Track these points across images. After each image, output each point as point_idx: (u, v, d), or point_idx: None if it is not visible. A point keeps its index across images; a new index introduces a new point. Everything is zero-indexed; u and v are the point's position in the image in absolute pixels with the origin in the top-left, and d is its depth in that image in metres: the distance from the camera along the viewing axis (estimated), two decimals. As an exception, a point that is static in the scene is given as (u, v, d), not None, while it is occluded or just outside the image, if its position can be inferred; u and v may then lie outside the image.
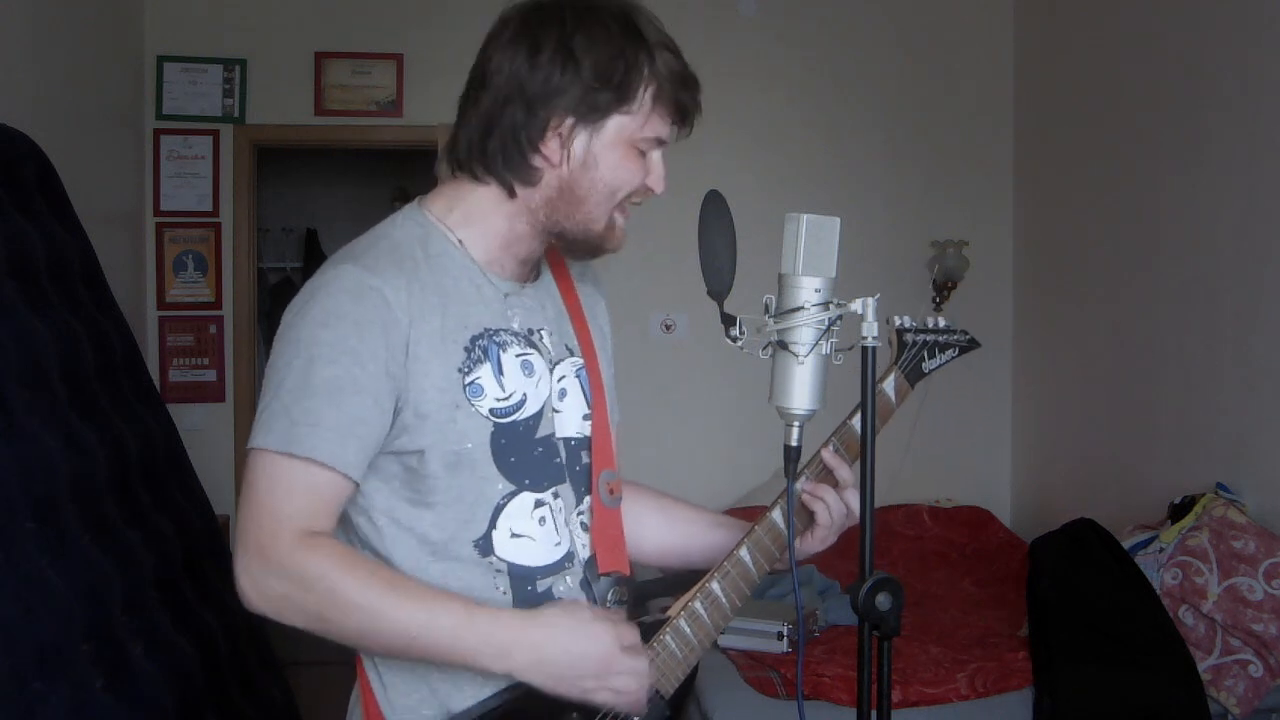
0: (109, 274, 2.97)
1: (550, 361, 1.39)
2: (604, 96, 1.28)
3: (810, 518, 1.42)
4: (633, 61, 1.29)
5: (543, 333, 1.39)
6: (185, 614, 2.63)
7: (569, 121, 1.29)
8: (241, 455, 4.53)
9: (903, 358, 1.48)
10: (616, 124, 1.30)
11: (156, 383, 3.47)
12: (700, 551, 1.52)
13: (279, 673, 3.08)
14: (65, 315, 2.55)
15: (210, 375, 4.59)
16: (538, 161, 1.31)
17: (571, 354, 1.43)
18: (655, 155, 1.35)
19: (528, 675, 1.24)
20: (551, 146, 1.30)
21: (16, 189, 2.54)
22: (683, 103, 1.33)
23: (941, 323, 1.51)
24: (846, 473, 1.42)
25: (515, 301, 1.37)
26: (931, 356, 1.50)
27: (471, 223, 1.35)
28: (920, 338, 1.48)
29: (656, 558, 1.58)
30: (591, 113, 1.29)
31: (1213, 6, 3.47)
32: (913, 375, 1.49)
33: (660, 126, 1.32)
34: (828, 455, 1.42)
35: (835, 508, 1.41)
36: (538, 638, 1.24)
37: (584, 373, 1.43)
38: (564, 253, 1.43)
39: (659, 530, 1.54)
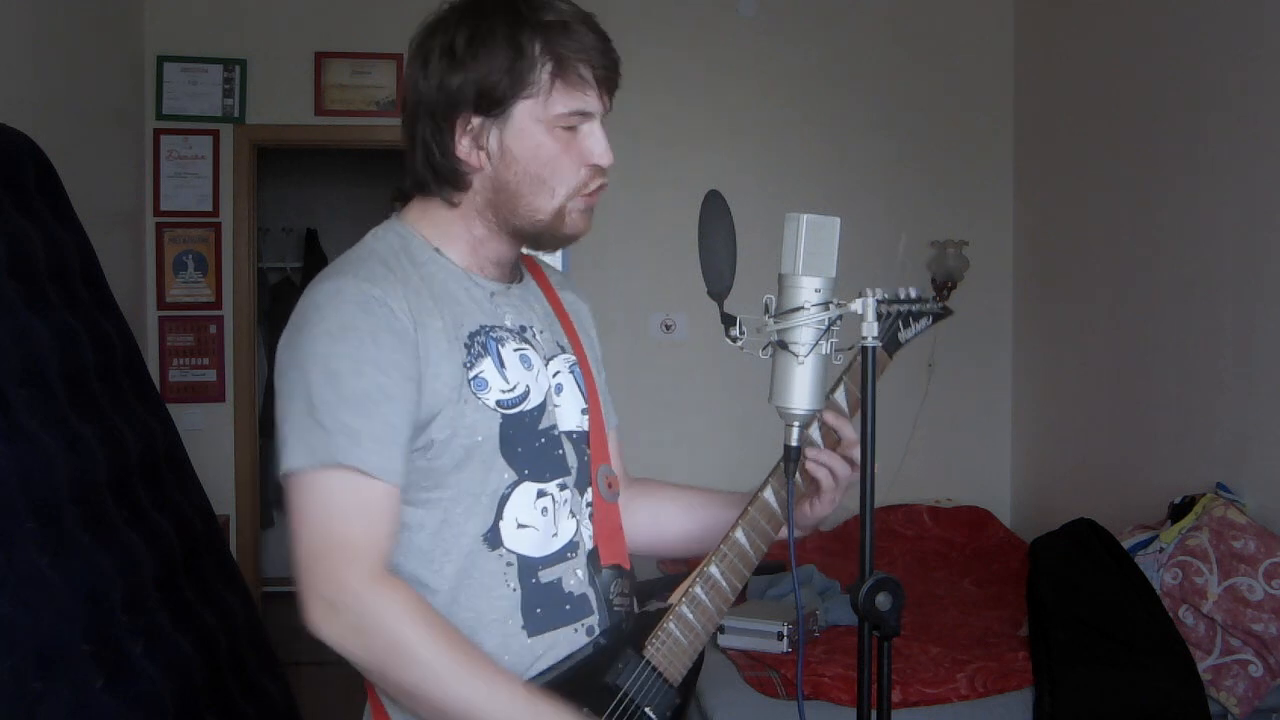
0: (109, 274, 2.96)
1: (544, 357, 1.40)
2: (498, 87, 1.28)
3: (815, 485, 1.42)
4: (517, 45, 1.28)
5: (534, 329, 1.41)
6: (185, 614, 2.63)
7: (475, 121, 1.30)
8: (242, 455, 4.59)
9: (878, 328, 1.47)
10: (522, 110, 1.30)
11: (156, 383, 3.47)
12: (722, 533, 1.52)
13: (279, 673, 3.07)
14: (65, 315, 2.55)
15: (210, 375, 4.59)
16: (460, 167, 1.32)
17: (564, 350, 1.44)
18: (585, 129, 1.33)
19: None
20: (466, 149, 1.31)
21: (16, 189, 2.54)
22: (588, 73, 1.31)
23: (914, 292, 1.48)
24: (849, 431, 1.41)
25: (503, 300, 1.39)
26: (906, 326, 1.49)
27: (440, 233, 1.37)
28: (894, 308, 1.46)
29: (681, 547, 1.59)
30: (492, 106, 1.29)
31: (1213, 6, 3.47)
32: (890, 346, 1.48)
33: (571, 100, 1.30)
34: (830, 417, 1.41)
35: (840, 468, 1.41)
36: None
37: (577, 369, 1.45)
38: (531, 247, 1.42)
39: (680, 519, 1.56)
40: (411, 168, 1.36)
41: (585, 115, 1.32)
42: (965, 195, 4.81)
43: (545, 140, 1.31)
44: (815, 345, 1.28)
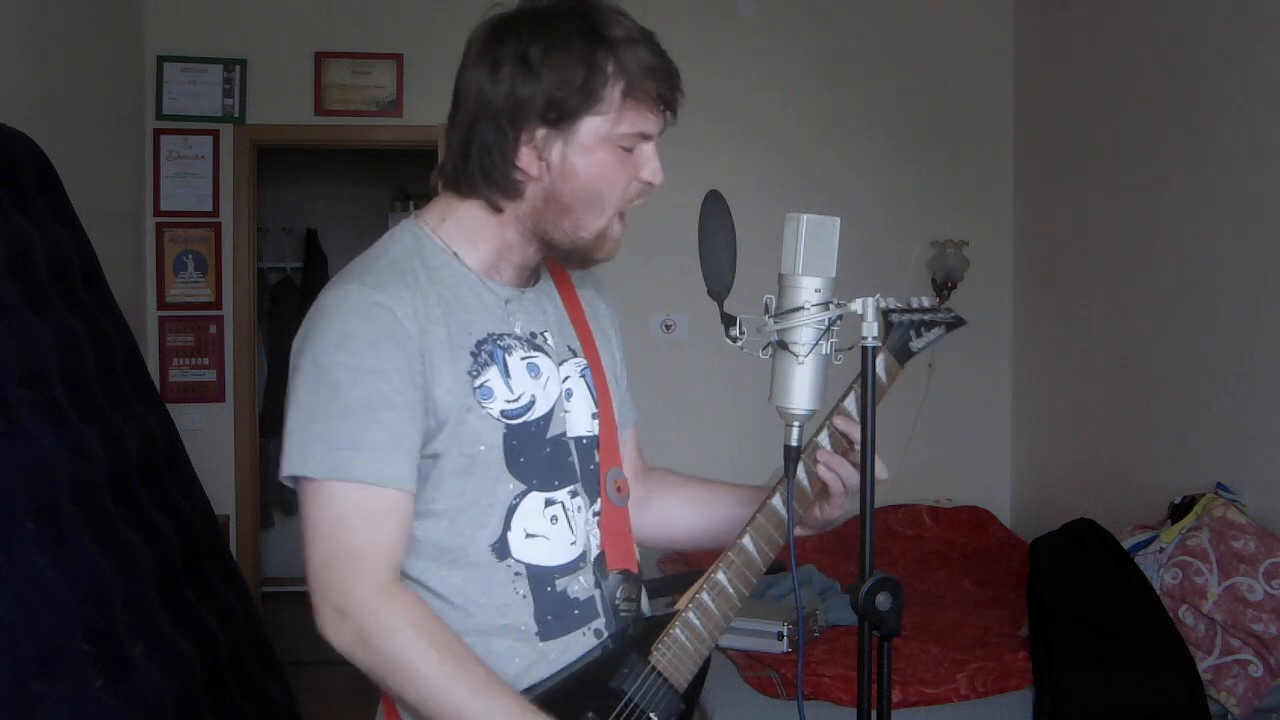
0: (109, 274, 2.96)
1: (555, 363, 1.39)
2: (570, 101, 1.27)
3: (824, 489, 1.42)
4: (593, 62, 1.27)
5: (546, 335, 1.40)
6: (185, 614, 2.63)
7: (540, 132, 1.29)
8: (242, 455, 4.60)
9: (890, 337, 1.46)
10: (589, 126, 1.29)
11: (156, 383, 3.47)
12: (734, 531, 1.52)
13: (279, 673, 3.07)
14: (65, 315, 2.55)
15: (210, 375, 4.59)
16: (517, 175, 1.31)
17: (575, 354, 1.43)
18: (644, 148, 1.33)
19: None
20: (527, 159, 1.30)
21: (16, 189, 2.54)
22: (659, 93, 1.31)
23: (926, 302, 1.49)
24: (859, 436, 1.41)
25: (516, 307, 1.38)
26: (919, 335, 1.48)
27: (464, 235, 1.36)
28: (906, 317, 1.46)
29: (692, 542, 1.60)
30: (561, 119, 1.28)
31: (1213, 7, 3.47)
32: (901, 354, 1.48)
33: (639, 121, 1.31)
34: (840, 422, 1.41)
35: (848, 474, 1.41)
36: None
37: (588, 372, 1.44)
38: (558, 261, 1.43)
39: (690, 515, 1.57)
40: (457, 166, 1.34)
41: (647, 137, 1.33)
42: (965, 195, 4.81)
43: (607, 157, 1.31)
44: (815, 345, 1.28)
